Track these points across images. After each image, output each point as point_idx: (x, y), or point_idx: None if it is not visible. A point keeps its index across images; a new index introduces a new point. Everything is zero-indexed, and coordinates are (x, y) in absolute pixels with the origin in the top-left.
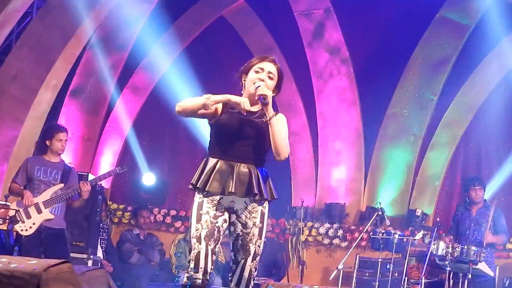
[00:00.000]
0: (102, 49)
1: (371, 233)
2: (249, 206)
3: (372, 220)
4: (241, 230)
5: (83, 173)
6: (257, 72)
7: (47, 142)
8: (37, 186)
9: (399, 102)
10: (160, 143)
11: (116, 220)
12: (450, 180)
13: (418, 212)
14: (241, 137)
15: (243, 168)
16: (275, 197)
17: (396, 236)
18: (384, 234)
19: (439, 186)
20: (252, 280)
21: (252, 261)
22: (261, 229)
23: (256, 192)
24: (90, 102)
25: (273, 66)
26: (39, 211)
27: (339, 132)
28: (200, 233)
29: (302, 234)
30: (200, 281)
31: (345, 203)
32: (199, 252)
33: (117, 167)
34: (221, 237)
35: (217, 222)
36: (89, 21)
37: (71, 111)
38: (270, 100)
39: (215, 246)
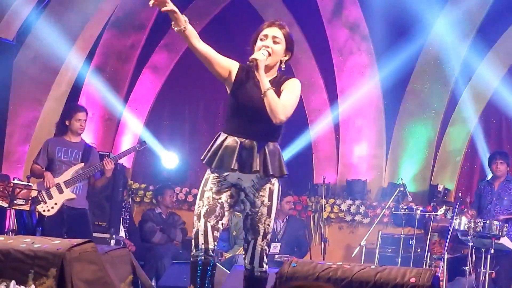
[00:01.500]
0: (121, 29)
1: (393, 209)
2: (256, 183)
3: (394, 196)
4: (250, 209)
5: (104, 153)
6: (262, 39)
7: (67, 122)
8: (58, 167)
9: (419, 77)
10: (181, 122)
11: (138, 199)
12: (472, 155)
13: (440, 188)
14: (250, 110)
15: (248, 143)
16: (285, 174)
17: (418, 212)
18: (406, 210)
19: (460, 161)
20: (265, 257)
21: (262, 240)
22: (269, 208)
23: (257, 169)
24: (110, 82)
25: (278, 30)
26: (60, 191)
27: (360, 108)
28: (201, 210)
29: (324, 211)
30: (201, 259)
31: (366, 179)
32: (197, 230)
33: (137, 144)
34: (225, 213)
35: (220, 198)
36: (107, 1)
37: (91, 91)
38: (261, 65)
39: (217, 222)
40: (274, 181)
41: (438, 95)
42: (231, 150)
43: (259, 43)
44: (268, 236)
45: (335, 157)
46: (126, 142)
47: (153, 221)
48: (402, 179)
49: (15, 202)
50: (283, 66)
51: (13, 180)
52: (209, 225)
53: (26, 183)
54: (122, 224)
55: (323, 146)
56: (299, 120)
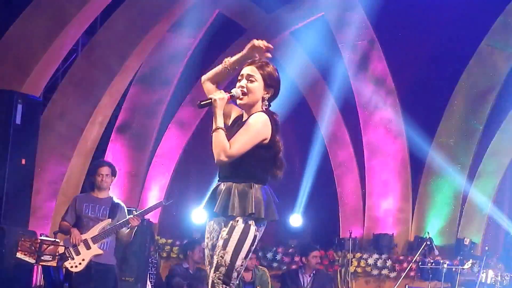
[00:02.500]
0: (147, 85)
1: (419, 263)
2: (223, 224)
3: (420, 250)
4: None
5: (130, 208)
6: (239, 80)
7: (92, 178)
8: (85, 223)
9: (445, 131)
10: (208, 178)
11: (164, 254)
12: (498, 208)
13: (467, 241)
14: None
15: (221, 186)
16: (250, 212)
17: (445, 265)
18: (433, 264)
19: (487, 214)
20: None
21: (214, 272)
22: (226, 240)
23: (215, 210)
24: (136, 137)
25: (254, 68)
26: (88, 247)
27: (386, 162)
28: (207, 271)
29: (351, 265)
30: None
31: (393, 233)
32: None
33: (164, 199)
34: None
35: (215, 254)
36: (133, 57)
37: (117, 147)
38: (219, 104)
39: None
40: (239, 218)
41: (464, 148)
42: (210, 194)
43: (237, 84)
44: (222, 269)
45: (362, 211)
46: (152, 198)
47: (180, 276)
48: (428, 232)
49: (42, 258)
50: (265, 103)
51: (40, 236)
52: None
53: (53, 239)
54: (149, 279)
55: (350, 200)
56: (326, 174)
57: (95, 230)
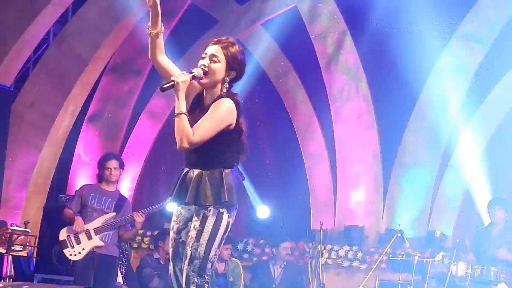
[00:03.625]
0: (119, 75)
1: (390, 255)
2: (194, 213)
3: (391, 242)
4: (185, 237)
5: None
6: (202, 57)
7: (100, 172)
8: (89, 214)
9: (416, 123)
10: (179, 168)
11: (135, 245)
12: (469, 201)
13: (437, 234)
14: None
15: (190, 173)
16: (224, 201)
17: (416, 258)
18: (404, 256)
19: (458, 207)
20: (190, 285)
21: (188, 265)
22: (199, 232)
23: (187, 200)
24: (107, 127)
25: (218, 48)
26: (89, 237)
27: (357, 154)
28: (170, 254)
29: (322, 257)
30: None
31: (364, 225)
32: (169, 275)
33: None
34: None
35: (180, 238)
36: (105, 47)
37: (88, 137)
38: (181, 87)
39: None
40: (211, 208)
41: (436, 140)
42: (178, 181)
43: (199, 61)
44: (196, 262)
45: (333, 202)
46: (123, 188)
47: (151, 267)
48: (399, 225)
49: (12, 248)
50: (226, 85)
51: (11, 226)
52: (177, 269)
53: (24, 229)
54: (120, 270)
55: (321, 191)
56: (297, 165)
57: (98, 222)
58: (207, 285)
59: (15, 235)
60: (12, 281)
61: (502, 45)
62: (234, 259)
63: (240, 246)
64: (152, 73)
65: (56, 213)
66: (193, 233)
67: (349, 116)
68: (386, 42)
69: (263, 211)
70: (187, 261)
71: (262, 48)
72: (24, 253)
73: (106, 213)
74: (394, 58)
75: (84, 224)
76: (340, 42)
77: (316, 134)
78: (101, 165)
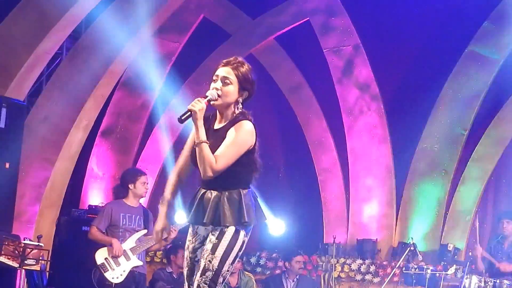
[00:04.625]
0: (132, 89)
1: (403, 269)
2: (211, 230)
3: (404, 255)
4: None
5: None
6: (214, 80)
7: (130, 186)
8: (122, 234)
9: (429, 137)
10: (191, 182)
11: (148, 259)
12: (482, 214)
13: (450, 247)
14: None
15: (208, 195)
16: (244, 221)
17: (429, 271)
18: (417, 270)
19: (470, 220)
20: None
21: (201, 276)
22: (215, 245)
23: (205, 221)
24: (120, 142)
25: (230, 69)
26: (127, 258)
27: (370, 168)
28: (184, 274)
29: (335, 270)
30: None
31: (377, 239)
32: None
33: None
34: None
35: (196, 257)
36: (118, 61)
37: (102, 151)
38: (199, 115)
39: None
40: (231, 227)
41: (448, 154)
42: (196, 202)
43: (212, 84)
44: (208, 274)
45: (345, 216)
46: None
47: (164, 281)
48: (412, 238)
49: (25, 262)
50: (239, 106)
51: (24, 240)
52: None
53: (37, 243)
54: None
55: (333, 205)
56: (309, 179)
57: (132, 241)
58: None
59: (28, 249)
60: None
61: None
62: (247, 273)
63: (253, 260)
64: (165, 87)
65: (70, 227)
66: (208, 246)
67: (362, 129)
68: (399, 55)
69: (278, 226)
70: (199, 272)
71: (275, 61)
72: (37, 267)
73: (137, 231)
74: (407, 71)
75: None
76: (353, 55)
77: (329, 147)
78: (134, 179)
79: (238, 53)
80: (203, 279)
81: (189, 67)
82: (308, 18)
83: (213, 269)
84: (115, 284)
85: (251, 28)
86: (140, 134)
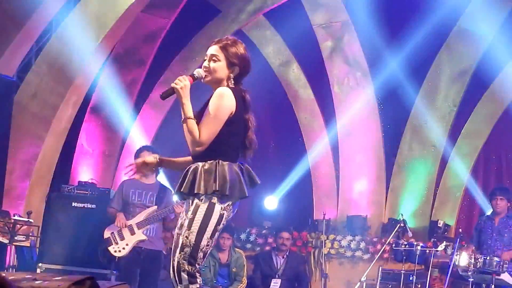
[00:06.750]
0: (122, 65)
1: (393, 245)
2: (190, 203)
3: (394, 232)
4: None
5: (104, 189)
6: (204, 59)
7: None
8: (132, 210)
9: (419, 113)
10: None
11: None
12: (472, 190)
13: (440, 223)
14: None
15: (191, 167)
16: (215, 190)
17: (419, 247)
18: (407, 246)
19: (460, 197)
20: (183, 272)
21: (179, 253)
22: (191, 220)
23: (182, 189)
24: (110, 118)
25: (215, 46)
26: (132, 233)
27: (360, 144)
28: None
29: (324, 247)
30: None
31: (367, 215)
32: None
33: None
34: None
35: (181, 232)
36: (108, 37)
37: (91, 127)
38: (183, 92)
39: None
40: (203, 197)
41: (438, 130)
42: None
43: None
44: (187, 250)
45: (335, 192)
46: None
47: None
48: (402, 214)
49: (15, 238)
50: (231, 82)
51: (14, 216)
52: (174, 263)
53: (27, 219)
54: None
55: (323, 181)
56: (299, 156)
57: (140, 216)
58: (198, 274)
59: (18, 225)
60: (15, 271)
61: (501, 40)
62: (237, 249)
63: (243, 236)
64: (154, 63)
65: (60, 203)
66: (185, 222)
67: (352, 106)
68: (389, 31)
69: (271, 202)
70: (178, 249)
71: (265, 38)
72: (27, 243)
73: (148, 207)
74: (397, 47)
75: (128, 220)
76: (342, 31)
77: (319, 124)
78: (137, 155)
79: (227, 30)
80: (182, 255)
81: (178, 43)
82: None
83: (190, 245)
84: (118, 257)
85: (240, 5)
86: (129, 110)
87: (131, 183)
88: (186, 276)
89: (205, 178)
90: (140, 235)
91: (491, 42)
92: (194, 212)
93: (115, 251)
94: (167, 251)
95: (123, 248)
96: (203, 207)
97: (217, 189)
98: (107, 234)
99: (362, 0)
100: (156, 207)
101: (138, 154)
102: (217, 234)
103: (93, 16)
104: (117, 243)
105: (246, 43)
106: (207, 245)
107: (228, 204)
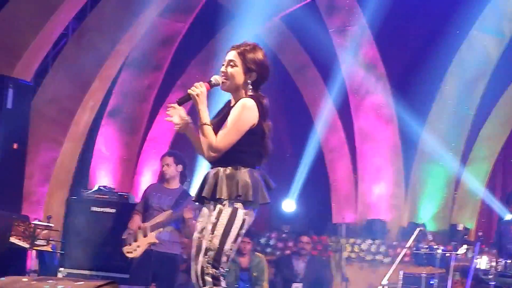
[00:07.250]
0: (138, 69)
1: (414, 249)
2: (212, 208)
3: (414, 235)
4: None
5: (123, 194)
6: (223, 65)
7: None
8: (151, 213)
9: (437, 116)
10: (199, 162)
11: None
12: (490, 193)
13: (460, 227)
14: None
15: (211, 172)
16: (236, 195)
17: (439, 251)
18: (427, 250)
19: (480, 200)
20: (206, 276)
21: (203, 256)
22: (214, 224)
23: (203, 194)
24: (127, 122)
25: (233, 52)
26: (144, 235)
27: (378, 148)
28: (192, 253)
29: (345, 250)
30: None
31: (386, 219)
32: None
33: None
34: None
35: (203, 236)
36: (124, 42)
37: (109, 132)
38: (201, 99)
39: None
40: (226, 202)
41: (456, 134)
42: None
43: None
44: (210, 253)
45: (354, 196)
46: (144, 182)
47: None
48: (422, 218)
49: (36, 242)
50: (249, 87)
51: (34, 220)
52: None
53: (47, 224)
54: None
55: (342, 185)
56: (317, 160)
57: (155, 220)
58: (222, 277)
59: (38, 230)
60: (37, 276)
61: None
62: (258, 254)
63: (262, 241)
64: (171, 67)
65: (79, 208)
66: (209, 226)
67: (369, 109)
68: (405, 35)
69: (288, 205)
70: (202, 253)
71: (281, 42)
72: (48, 248)
73: (164, 211)
74: (413, 51)
75: (145, 222)
76: (358, 35)
77: (336, 128)
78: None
79: (243, 34)
80: (206, 259)
81: (194, 47)
82: None
83: (214, 248)
84: (131, 258)
85: (256, 8)
86: (147, 115)
87: (155, 186)
88: (210, 279)
89: (227, 184)
90: (151, 238)
91: (508, 44)
92: (218, 217)
93: (128, 252)
94: (187, 255)
95: (135, 250)
96: (226, 212)
97: (240, 194)
98: (125, 235)
99: (379, 3)
100: (170, 211)
101: (160, 159)
102: (239, 239)
103: (110, 20)
104: (130, 244)
105: (263, 48)
106: (230, 249)
107: (251, 210)
